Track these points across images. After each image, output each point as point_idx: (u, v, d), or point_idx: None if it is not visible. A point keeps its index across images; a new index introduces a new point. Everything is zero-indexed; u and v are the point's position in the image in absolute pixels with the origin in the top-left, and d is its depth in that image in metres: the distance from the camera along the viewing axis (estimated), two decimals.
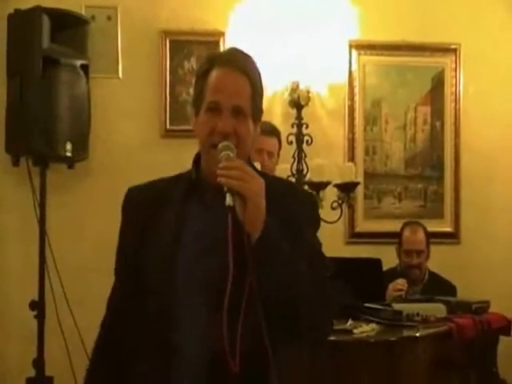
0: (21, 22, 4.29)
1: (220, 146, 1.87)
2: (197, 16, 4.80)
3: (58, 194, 4.47)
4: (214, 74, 1.92)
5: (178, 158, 4.71)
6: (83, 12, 4.59)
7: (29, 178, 4.25)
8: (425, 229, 4.54)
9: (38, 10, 4.23)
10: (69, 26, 4.33)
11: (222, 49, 4.76)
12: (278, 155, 4.39)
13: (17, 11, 4.35)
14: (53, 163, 4.32)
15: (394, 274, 4.35)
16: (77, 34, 4.41)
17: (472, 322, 3.62)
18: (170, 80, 4.77)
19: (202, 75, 1.93)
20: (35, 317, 4.08)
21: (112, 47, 4.71)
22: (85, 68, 4.36)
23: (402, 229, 4.56)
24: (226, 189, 1.74)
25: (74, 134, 4.28)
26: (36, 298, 4.09)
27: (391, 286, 4.02)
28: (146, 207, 1.96)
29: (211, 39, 4.80)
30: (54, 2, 4.39)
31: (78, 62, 4.31)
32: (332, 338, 3.07)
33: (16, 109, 4.22)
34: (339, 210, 3.73)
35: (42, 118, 4.13)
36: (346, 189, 3.42)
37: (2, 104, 4.38)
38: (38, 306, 4.08)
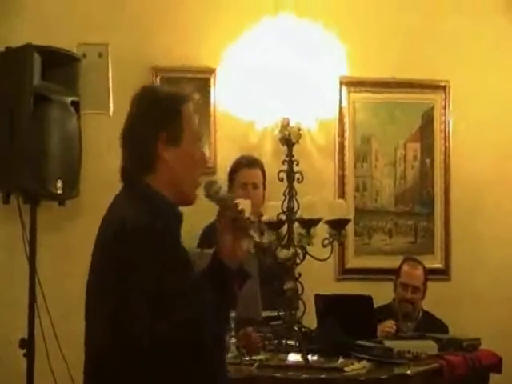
0: (12, 59, 4.30)
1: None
2: (188, 53, 4.83)
3: (48, 231, 4.45)
4: None
5: None
6: (75, 49, 4.60)
7: (19, 216, 4.23)
8: (424, 268, 4.54)
9: (29, 48, 4.24)
10: (60, 64, 4.34)
11: (212, 86, 4.80)
12: (265, 186, 4.40)
13: (8, 49, 4.36)
14: (43, 200, 4.30)
15: (387, 311, 4.35)
16: (68, 71, 4.42)
17: (463, 360, 3.60)
18: None
19: None
20: (24, 355, 4.04)
21: (103, 84, 4.74)
22: (76, 105, 4.36)
23: (402, 262, 4.57)
24: None
25: (65, 171, 4.27)
26: (26, 337, 4.06)
27: (380, 328, 4.01)
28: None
29: (202, 76, 4.84)
30: (46, 40, 4.40)
31: (69, 99, 4.32)
32: (323, 375, 3.08)
33: (6, 146, 4.22)
34: (330, 247, 3.72)
35: (32, 155, 4.13)
36: (338, 226, 3.42)
37: None
38: (27, 345, 4.05)
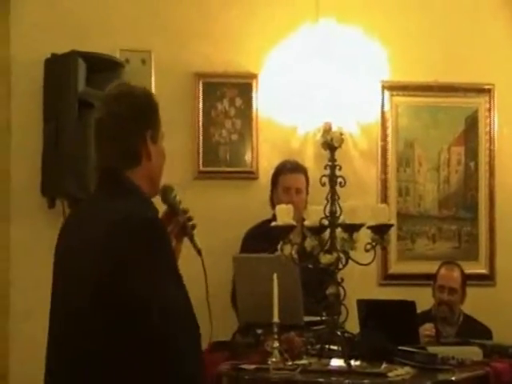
0: (57, 66, 4.37)
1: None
2: (229, 58, 4.85)
3: None
4: None
5: (210, 200, 4.79)
6: (118, 55, 4.65)
7: (64, 220, 4.27)
8: (462, 271, 4.50)
9: (73, 55, 4.31)
10: (104, 70, 4.40)
11: (254, 91, 4.81)
12: (307, 191, 4.40)
13: (53, 56, 4.43)
14: None
15: (428, 316, 4.31)
16: (111, 77, 4.46)
17: (509, 367, 3.54)
18: (202, 122, 4.81)
19: None
20: None
21: None
22: None
23: (440, 266, 4.54)
24: None
25: None
26: None
27: (419, 331, 3.98)
28: None
29: (244, 81, 4.85)
30: (90, 47, 4.47)
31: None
32: (366, 381, 3.05)
33: (52, 152, 4.29)
34: (372, 252, 3.70)
35: (76, 160, 4.18)
36: (380, 231, 3.39)
37: (38, 147, 4.45)
38: None
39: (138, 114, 2.15)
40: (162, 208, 2.28)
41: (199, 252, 2.28)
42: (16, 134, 4.59)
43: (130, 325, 1.92)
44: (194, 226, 2.30)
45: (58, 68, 4.37)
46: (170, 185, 2.30)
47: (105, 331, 1.94)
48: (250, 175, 4.83)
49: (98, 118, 2.18)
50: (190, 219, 2.30)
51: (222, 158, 4.82)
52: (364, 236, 3.69)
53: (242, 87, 4.85)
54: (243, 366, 3.23)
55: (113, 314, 1.93)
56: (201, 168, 4.79)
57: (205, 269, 2.24)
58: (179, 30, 4.83)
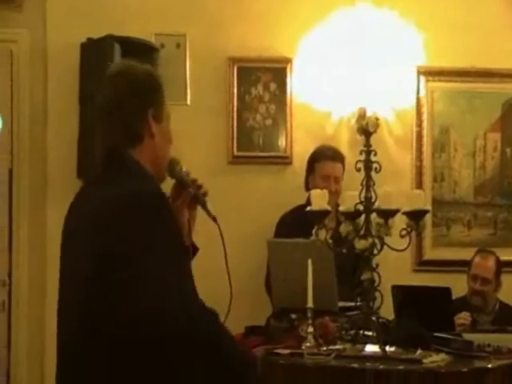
0: (93, 50, 4.39)
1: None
2: (264, 43, 4.84)
3: None
4: None
5: (244, 185, 4.79)
6: (153, 40, 4.67)
7: None
8: (497, 259, 4.45)
9: (109, 39, 4.32)
10: (139, 54, 4.38)
11: (288, 76, 4.79)
12: (342, 179, 4.39)
13: (89, 40, 4.45)
14: None
15: (463, 303, 4.29)
16: (146, 62, 4.45)
17: None
18: (237, 106, 4.81)
19: None
20: None
21: (181, 74, 4.77)
22: None
23: (475, 254, 4.50)
24: None
25: None
26: None
27: (455, 319, 3.96)
28: None
29: (278, 66, 4.84)
30: (125, 31, 4.49)
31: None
32: (401, 367, 3.04)
33: (88, 135, 4.31)
34: (407, 238, 3.69)
35: None
36: (416, 216, 3.37)
37: (74, 131, 4.48)
38: None
39: (138, 92, 2.13)
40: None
41: (214, 219, 2.26)
42: (52, 117, 4.63)
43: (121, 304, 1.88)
44: (205, 194, 2.29)
45: (93, 52, 4.39)
46: (174, 157, 2.27)
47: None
48: (284, 160, 4.83)
49: (101, 95, 2.18)
50: (199, 187, 2.29)
51: (255, 143, 4.82)
52: (399, 222, 3.67)
53: (276, 72, 4.84)
54: (277, 351, 3.24)
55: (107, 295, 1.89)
56: (235, 152, 4.80)
57: (222, 235, 2.23)
58: (214, 15, 4.83)
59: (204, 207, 2.28)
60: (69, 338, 2.00)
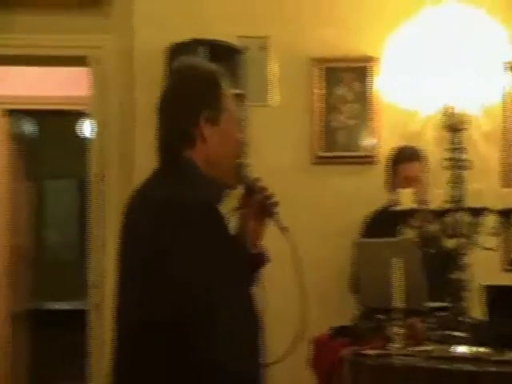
0: (179, 53, 4.45)
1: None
2: (347, 42, 4.82)
3: None
4: None
5: (328, 185, 4.78)
6: (236, 42, 4.70)
7: None
8: None
9: (194, 43, 4.38)
10: (224, 57, 4.44)
11: (372, 75, 4.76)
12: (427, 177, 4.32)
13: (174, 44, 4.52)
14: None
15: None
16: (231, 64, 4.53)
17: None
18: (320, 107, 4.80)
19: None
20: None
21: (264, 76, 4.80)
22: (241, 97, 4.45)
23: None
24: None
25: None
26: None
27: None
28: None
29: (362, 65, 4.81)
30: (209, 34, 4.54)
31: (235, 92, 4.41)
32: (492, 369, 2.98)
33: None
34: (497, 237, 3.62)
35: None
36: (507, 215, 3.31)
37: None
38: None
39: (193, 91, 2.07)
40: None
41: (284, 230, 2.06)
42: (140, 122, 4.71)
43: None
44: (275, 204, 2.12)
45: (179, 55, 4.44)
46: (242, 162, 2.15)
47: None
48: (369, 160, 4.79)
49: (161, 92, 2.13)
50: (268, 197, 2.12)
51: (339, 143, 4.80)
52: (488, 220, 3.61)
53: (359, 71, 4.82)
54: (365, 352, 3.22)
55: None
56: (319, 153, 4.79)
57: (293, 248, 2.03)
58: (296, 15, 4.83)
59: (271, 216, 2.11)
60: (127, 326, 2.00)
